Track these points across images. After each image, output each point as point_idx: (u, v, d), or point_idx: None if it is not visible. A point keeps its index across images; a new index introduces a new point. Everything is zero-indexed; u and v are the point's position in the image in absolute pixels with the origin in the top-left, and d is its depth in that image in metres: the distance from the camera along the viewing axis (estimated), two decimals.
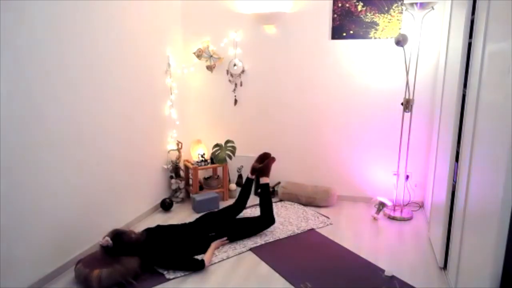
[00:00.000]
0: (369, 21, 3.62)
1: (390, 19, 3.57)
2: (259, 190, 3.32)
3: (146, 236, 2.74)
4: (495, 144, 1.67)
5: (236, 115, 4.20)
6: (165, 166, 3.91)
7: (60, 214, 2.59)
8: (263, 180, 3.37)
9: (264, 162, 3.43)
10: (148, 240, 2.71)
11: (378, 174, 3.87)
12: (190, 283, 2.54)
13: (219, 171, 4.15)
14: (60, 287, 2.49)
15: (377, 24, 3.60)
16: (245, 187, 3.42)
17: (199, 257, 2.80)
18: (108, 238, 2.51)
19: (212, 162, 4.00)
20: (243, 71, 4.07)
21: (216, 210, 3.42)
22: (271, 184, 3.44)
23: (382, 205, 3.55)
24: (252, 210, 3.69)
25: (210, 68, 4.07)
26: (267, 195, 3.28)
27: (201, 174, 4.19)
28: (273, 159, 3.46)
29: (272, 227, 3.28)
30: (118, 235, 2.57)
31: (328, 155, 3.99)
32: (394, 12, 3.54)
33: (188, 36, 4.13)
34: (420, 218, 3.56)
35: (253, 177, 3.46)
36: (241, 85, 4.11)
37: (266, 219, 3.19)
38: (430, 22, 3.46)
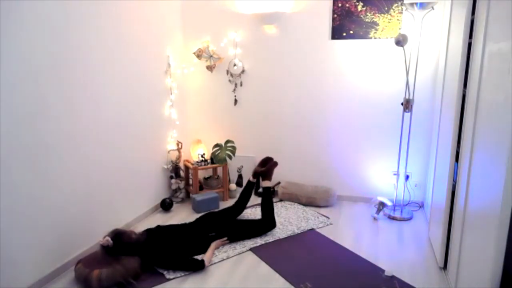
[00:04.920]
0: (369, 21, 3.62)
1: (390, 19, 3.57)
2: (260, 190, 3.31)
3: (146, 236, 2.74)
4: (495, 144, 1.67)
5: (236, 115, 4.20)
6: (165, 166, 3.91)
7: (60, 214, 2.59)
8: (265, 183, 3.37)
9: (266, 166, 3.43)
10: (148, 240, 2.71)
11: (378, 174, 3.87)
12: (190, 283, 2.54)
13: (219, 171, 4.15)
14: (60, 287, 2.49)
15: (377, 24, 3.60)
16: (245, 190, 3.43)
17: (199, 257, 2.81)
18: (108, 238, 2.51)
19: (212, 162, 4.00)
20: (243, 71, 4.07)
21: (216, 210, 3.42)
22: (271, 184, 3.44)
23: (382, 205, 3.55)
24: (252, 210, 3.69)
25: (210, 68, 4.07)
26: (269, 198, 3.28)
27: (201, 174, 4.18)
28: (276, 164, 3.48)
29: None
30: (118, 235, 2.57)
31: (328, 155, 3.99)
32: (394, 12, 3.54)
33: (188, 36, 4.13)
34: (420, 218, 3.56)
35: (255, 180, 3.46)
36: (241, 85, 4.11)
37: (267, 223, 3.19)
38: (430, 22, 3.46)
